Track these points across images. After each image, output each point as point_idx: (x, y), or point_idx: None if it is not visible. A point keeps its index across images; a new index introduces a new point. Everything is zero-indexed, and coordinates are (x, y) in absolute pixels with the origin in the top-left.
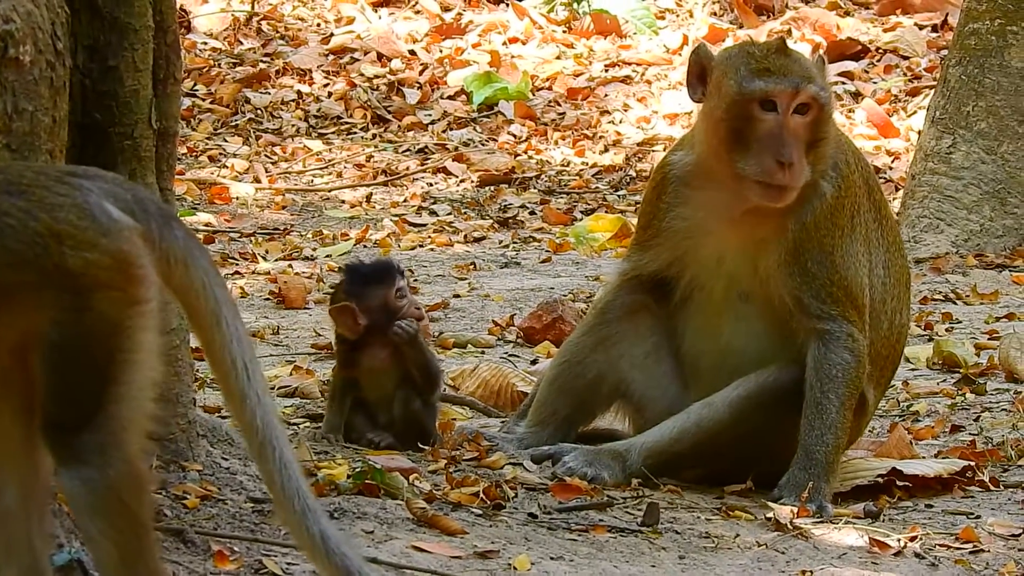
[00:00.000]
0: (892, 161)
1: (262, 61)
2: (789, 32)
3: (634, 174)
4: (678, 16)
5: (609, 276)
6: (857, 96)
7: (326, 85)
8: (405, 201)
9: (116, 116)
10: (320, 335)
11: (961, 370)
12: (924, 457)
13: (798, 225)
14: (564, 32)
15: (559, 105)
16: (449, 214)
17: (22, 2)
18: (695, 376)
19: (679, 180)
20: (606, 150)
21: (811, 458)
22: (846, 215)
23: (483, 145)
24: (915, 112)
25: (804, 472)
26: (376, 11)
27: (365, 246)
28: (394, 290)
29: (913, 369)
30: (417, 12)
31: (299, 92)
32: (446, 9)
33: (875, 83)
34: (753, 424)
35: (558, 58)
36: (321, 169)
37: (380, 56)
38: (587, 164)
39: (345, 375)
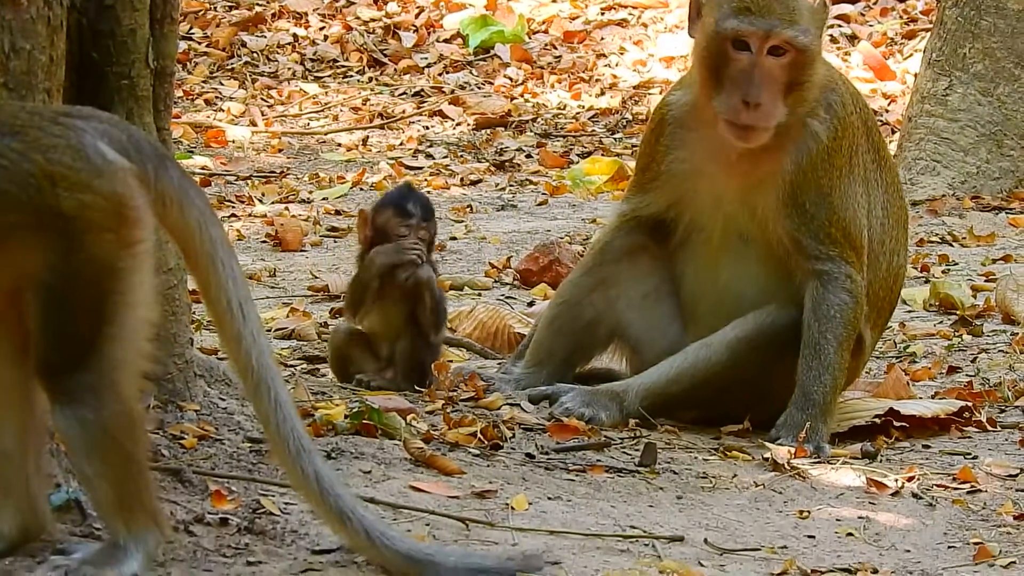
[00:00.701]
0: (888, 104)
1: (258, 4)
2: None
3: (630, 117)
4: None
5: (607, 218)
6: (853, 39)
7: (322, 28)
8: (401, 144)
9: (113, 55)
10: (317, 277)
11: (958, 311)
12: (921, 398)
13: (794, 166)
14: None
15: (555, 48)
16: (445, 157)
17: None
18: (693, 317)
19: (677, 122)
20: (602, 93)
21: (808, 399)
22: (844, 156)
23: (479, 88)
24: (911, 55)
25: (801, 412)
26: None
27: (362, 189)
28: (399, 219)
29: (910, 311)
30: None
31: (295, 35)
32: None
33: (871, 26)
34: (751, 365)
35: (554, 1)
36: (317, 112)
37: None
38: (583, 107)
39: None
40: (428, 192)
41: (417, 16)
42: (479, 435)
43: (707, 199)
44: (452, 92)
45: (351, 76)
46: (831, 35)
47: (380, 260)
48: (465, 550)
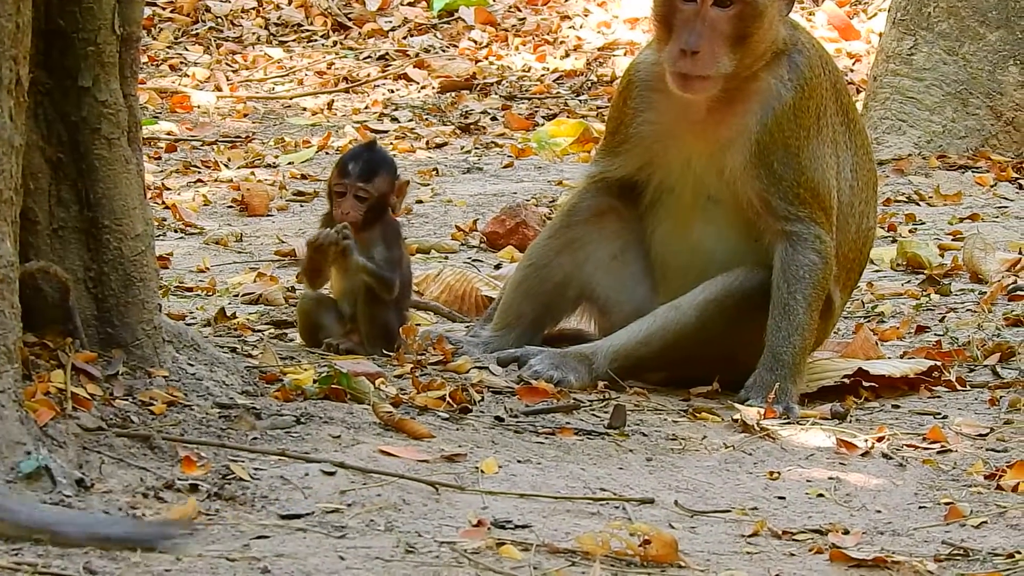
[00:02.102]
0: (853, 64)
1: None
2: None
3: (595, 79)
4: None
5: (576, 180)
6: None
7: None
8: (366, 108)
9: (80, 22)
10: (283, 242)
11: (925, 271)
12: (890, 358)
13: (760, 126)
14: None
15: (519, 11)
16: (410, 120)
17: None
18: (663, 279)
19: (644, 83)
20: (567, 55)
21: (778, 359)
22: (811, 117)
23: (444, 51)
24: (876, 14)
25: (770, 373)
26: None
27: (327, 153)
28: (337, 177)
29: (877, 271)
30: None
31: (259, 0)
32: None
33: None
34: (720, 327)
35: None
36: (282, 77)
37: None
38: (548, 69)
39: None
40: (394, 156)
41: None
42: (448, 399)
43: (676, 160)
44: (417, 55)
45: (316, 40)
46: None
47: (305, 242)
48: (93, 516)
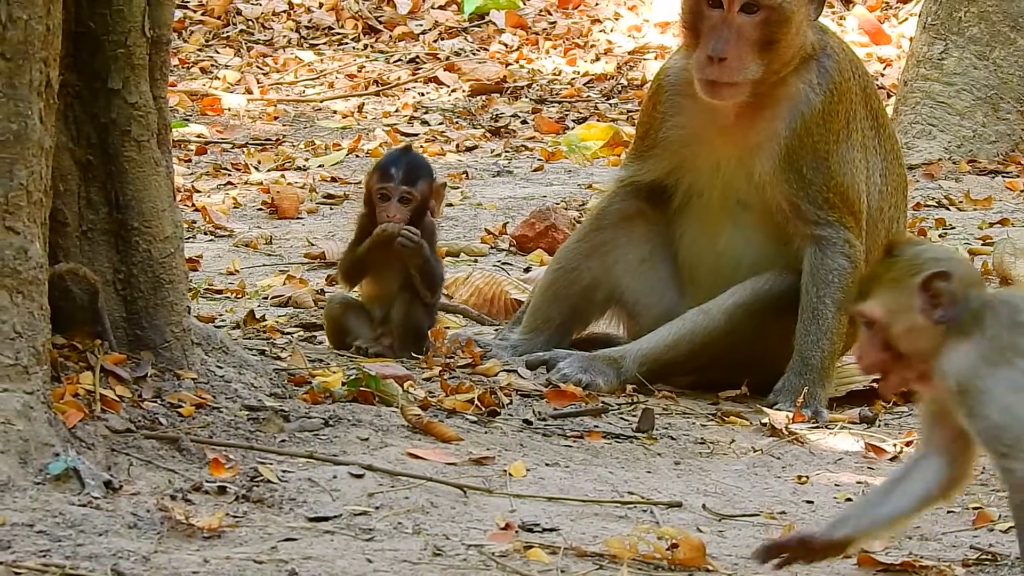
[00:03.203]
0: (884, 68)
1: None
2: None
3: (625, 82)
4: None
5: (606, 184)
6: (848, 3)
7: None
8: (397, 111)
9: (110, 24)
10: (313, 245)
11: None
12: None
13: (789, 130)
14: None
15: (550, 14)
16: (441, 124)
17: None
18: (691, 283)
19: (674, 88)
20: (597, 59)
21: (806, 363)
22: (840, 121)
23: (474, 55)
24: (906, 19)
25: (799, 377)
26: None
27: (357, 156)
28: (380, 183)
29: None
30: None
31: (290, 3)
32: None
33: None
34: (748, 331)
35: None
36: (313, 80)
37: None
38: (578, 73)
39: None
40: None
41: None
42: (476, 402)
43: (705, 165)
44: (447, 59)
45: (346, 43)
46: None
47: (370, 239)
48: None
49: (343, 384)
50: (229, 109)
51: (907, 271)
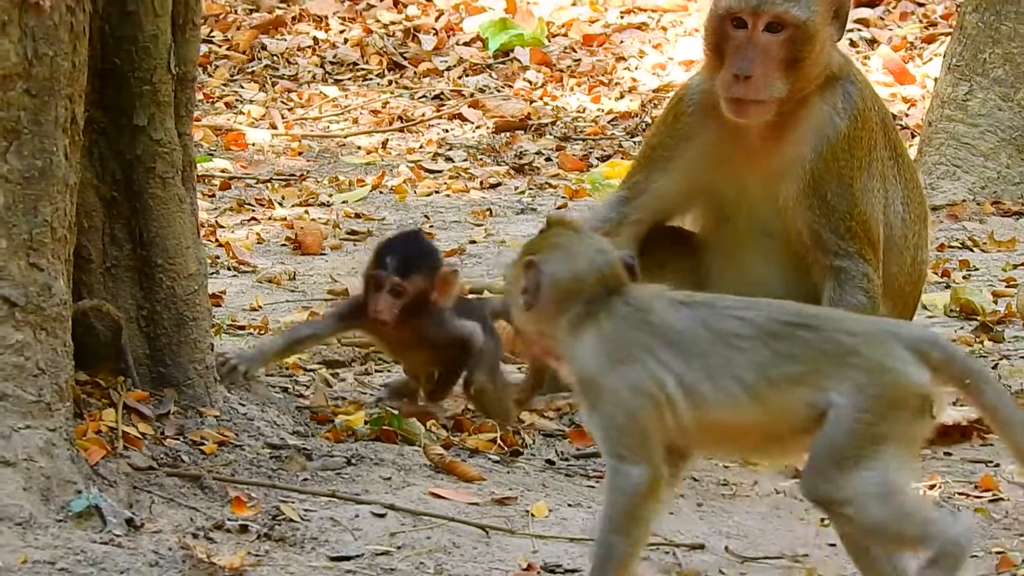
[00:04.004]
0: (908, 108)
1: (278, 7)
2: None
3: (649, 120)
4: None
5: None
6: (873, 43)
7: (342, 31)
8: (421, 147)
9: (135, 61)
10: (336, 281)
11: (979, 317)
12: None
13: (815, 154)
14: None
15: (575, 51)
16: (465, 160)
17: None
18: None
19: (697, 107)
20: (622, 97)
21: None
22: (863, 148)
23: (499, 91)
24: (931, 59)
25: None
26: None
27: (381, 192)
28: (369, 268)
29: (931, 316)
30: None
31: (315, 38)
32: None
33: (891, 30)
34: None
35: (574, 4)
36: (337, 115)
37: (396, 2)
38: (603, 110)
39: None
40: (448, 196)
41: (437, 19)
42: (499, 441)
43: (730, 189)
44: (471, 95)
45: (371, 79)
46: (850, 39)
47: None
48: None
49: (366, 423)
50: (253, 144)
51: (527, 250)
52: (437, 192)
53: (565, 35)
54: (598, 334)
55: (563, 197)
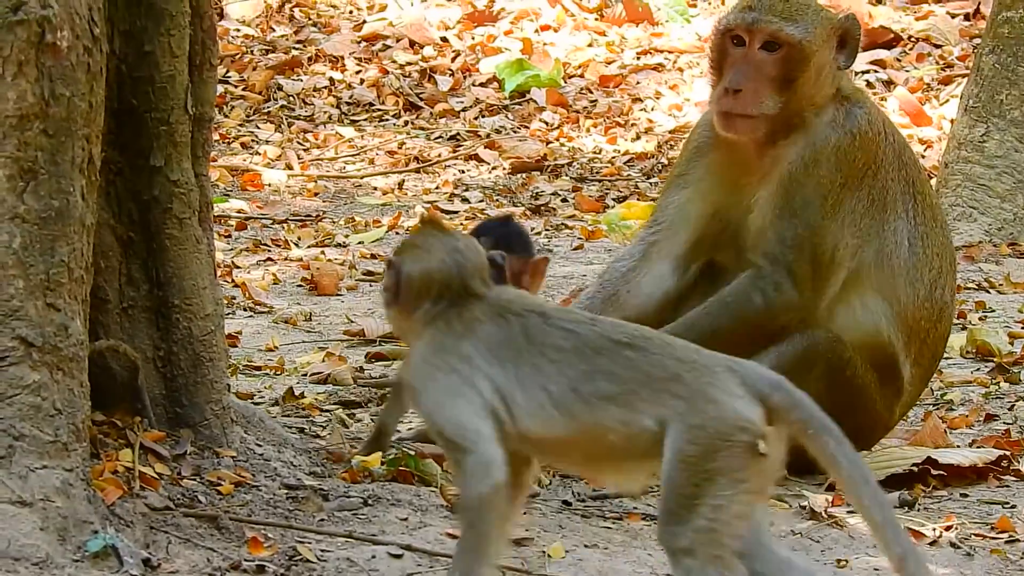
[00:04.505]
0: (925, 150)
1: (294, 48)
2: None
3: (666, 161)
4: (710, 3)
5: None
6: (889, 84)
7: (358, 72)
8: (437, 188)
9: (152, 101)
10: (352, 321)
11: (995, 359)
12: (959, 446)
13: (796, 157)
14: (596, 20)
15: (591, 92)
16: (481, 201)
17: None
18: None
19: (708, 127)
20: (638, 138)
21: None
22: (854, 167)
23: (515, 132)
24: (947, 100)
25: None
26: None
27: (397, 233)
28: None
29: (947, 358)
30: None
31: (331, 79)
32: None
33: (907, 71)
34: None
35: (590, 45)
36: (353, 156)
37: (412, 43)
38: (619, 151)
39: None
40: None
41: (453, 60)
42: None
43: (735, 209)
44: (488, 136)
45: (387, 120)
46: (867, 80)
47: None
48: None
49: (382, 463)
50: (269, 185)
51: (395, 250)
52: None
53: (581, 76)
54: (431, 337)
55: (579, 238)
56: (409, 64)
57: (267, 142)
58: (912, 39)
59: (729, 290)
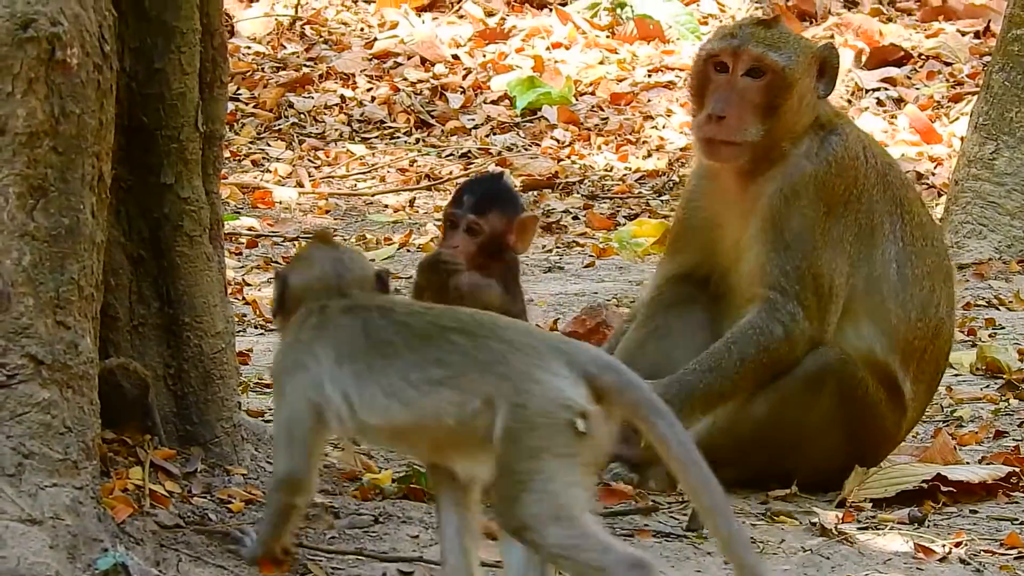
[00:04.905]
0: (935, 167)
1: (305, 65)
2: (832, 38)
3: (677, 179)
4: (721, 22)
5: (651, 277)
6: (900, 102)
7: (369, 90)
8: None
9: (163, 119)
10: None
11: (1004, 376)
12: (968, 463)
13: (776, 191)
14: (607, 37)
15: (602, 110)
16: None
17: (70, 5)
18: None
19: (698, 172)
20: (649, 155)
21: (677, 381)
22: (834, 195)
23: (526, 150)
24: (958, 118)
25: (663, 387)
26: (420, 16)
27: (409, 251)
28: (449, 207)
29: (956, 375)
30: (461, 17)
31: (342, 96)
32: (490, 14)
33: (918, 89)
34: (787, 415)
35: (601, 63)
36: (364, 173)
37: (423, 61)
38: (630, 169)
39: None
40: None
41: (464, 78)
42: None
43: (726, 246)
44: (499, 153)
45: (398, 137)
46: (877, 98)
47: (418, 265)
48: None
49: (393, 481)
50: (280, 202)
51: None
52: None
53: (592, 93)
54: (293, 336)
55: (591, 256)
56: (420, 82)
57: (278, 159)
58: (922, 57)
59: (747, 322)
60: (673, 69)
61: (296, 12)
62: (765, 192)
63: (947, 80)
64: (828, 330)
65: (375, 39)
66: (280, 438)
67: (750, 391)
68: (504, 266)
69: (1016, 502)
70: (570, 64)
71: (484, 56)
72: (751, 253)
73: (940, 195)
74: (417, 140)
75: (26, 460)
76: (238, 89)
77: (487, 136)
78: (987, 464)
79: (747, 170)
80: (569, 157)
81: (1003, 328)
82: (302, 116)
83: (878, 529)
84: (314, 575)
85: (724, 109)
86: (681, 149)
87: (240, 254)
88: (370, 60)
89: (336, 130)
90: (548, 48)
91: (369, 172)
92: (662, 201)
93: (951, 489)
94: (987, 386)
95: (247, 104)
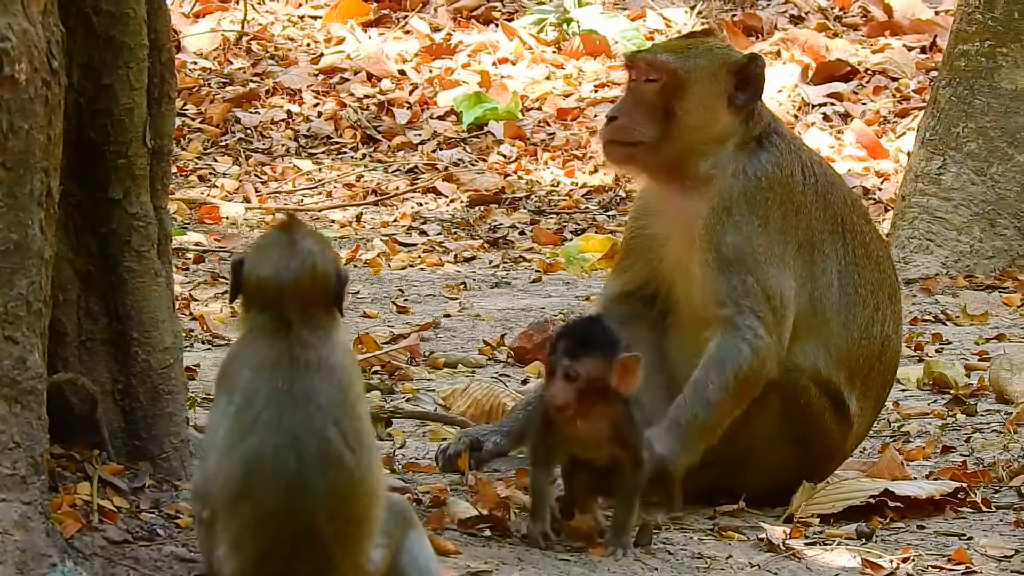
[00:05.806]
0: (881, 182)
1: (252, 81)
2: (778, 53)
3: (624, 194)
4: (667, 37)
5: (596, 297)
6: (846, 117)
7: (316, 105)
8: (395, 221)
9: (111, 134)
10: None
11: (952, 391)
12: (916, 478)
13: (710, 212)
14: (554, 53)
15: (549, 125)
16: (439, 234)
17: (17, 20)
18: (679, 389)
19: (645, 190)
20: (596, 170)
21: (673, 422)
22: (769, 209)
23: (473, 165)
24: (904, 133)
25: (665, 432)
26: (366, 31)
27: (355, 266)
28: (546, 355)
29: (904, 390)
30: (407, 32)
31: (289, 112)
32: (436, 30)
33: (864, 104)
34: (733, 429)
35: (548, 78)
36: (311, 189)
37: (370, 76)
38: (577, 184)
39: None
40: (422, 270)
41: (411, 93)
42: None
43: (669, 265)
44: (446, 169)
45: (345, 153)
46: (824, 113)
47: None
48: None
49: None
50: (227, 217)
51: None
52: (411, 266)
53: (539, 109)
54: (233, 345)
55: (537, 271)
56: (367, 97)
57: (224, 175)
58: (869, 72)
59: (714, 348)
60: (619, 84)
61: (242, 28)
62: (701, 213)
63: (893, 95)
64: (784, 345)
65: (321, 54)
66: (200, 452)
67: (739, 413)
68: (614, 410)
69: (963, 517)
70: (516, 79)
71: (430, 71)
72: (698, 277)
73: (887, 210)
74: (364, 155)
75: None
76: (185, 105)
77: (433, 151)
78: (934, 479)
79: (676, 184)
80: (516, 172)
81: (950, 343)
82: (249, 131)
83: (826, 544)
84: None
85: (618, 111)
86: None
87: (187, 269)
88: (316, 75)
89: (283, 145)
90: (494, 63)
91: (316, 187)
92: (609, 216)
93: (899, 504)
94: (934, 401)
95: (194, 119)
